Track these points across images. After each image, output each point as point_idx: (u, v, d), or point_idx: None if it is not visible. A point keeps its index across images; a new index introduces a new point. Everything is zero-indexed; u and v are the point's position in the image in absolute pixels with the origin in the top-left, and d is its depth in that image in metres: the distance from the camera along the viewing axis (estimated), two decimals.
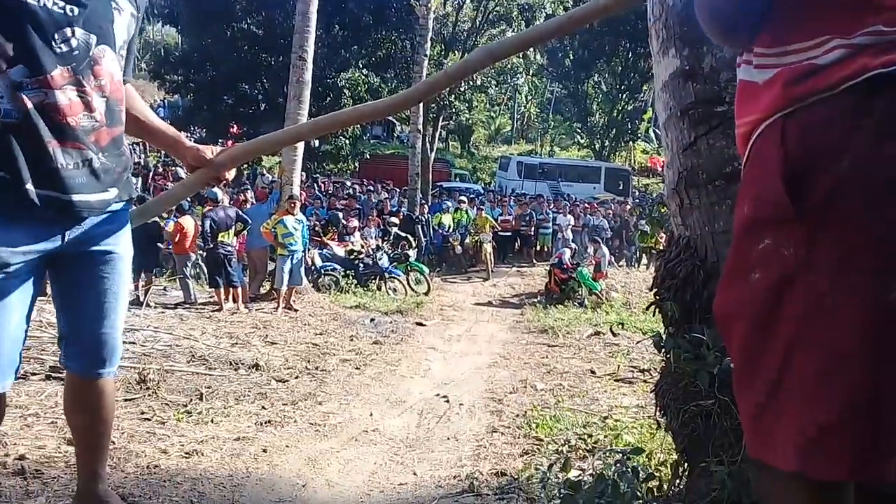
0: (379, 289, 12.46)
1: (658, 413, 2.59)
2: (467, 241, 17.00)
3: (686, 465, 2.44)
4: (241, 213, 10.09)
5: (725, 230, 2.49)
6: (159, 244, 9.78)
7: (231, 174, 2.56)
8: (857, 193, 0.96)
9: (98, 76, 1.99)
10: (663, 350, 2.63)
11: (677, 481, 2.50)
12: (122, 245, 2.21)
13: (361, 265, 12.88)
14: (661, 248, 3.06)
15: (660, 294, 2.76)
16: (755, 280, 1.04)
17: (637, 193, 31.42)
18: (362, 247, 13.37)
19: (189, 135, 27.07)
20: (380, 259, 12.92)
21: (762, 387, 1.04)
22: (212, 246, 9.32)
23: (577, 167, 32.99)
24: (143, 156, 22.22)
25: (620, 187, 30.25)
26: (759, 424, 1.05)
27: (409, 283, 12.92)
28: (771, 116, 1.05)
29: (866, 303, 0.95)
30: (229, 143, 24.01)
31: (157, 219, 9.08)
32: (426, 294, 12.67)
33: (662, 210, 3.58)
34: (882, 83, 0.97)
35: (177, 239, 9.69)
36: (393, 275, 12.89)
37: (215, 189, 10.49)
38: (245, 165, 24.43)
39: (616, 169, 33.05)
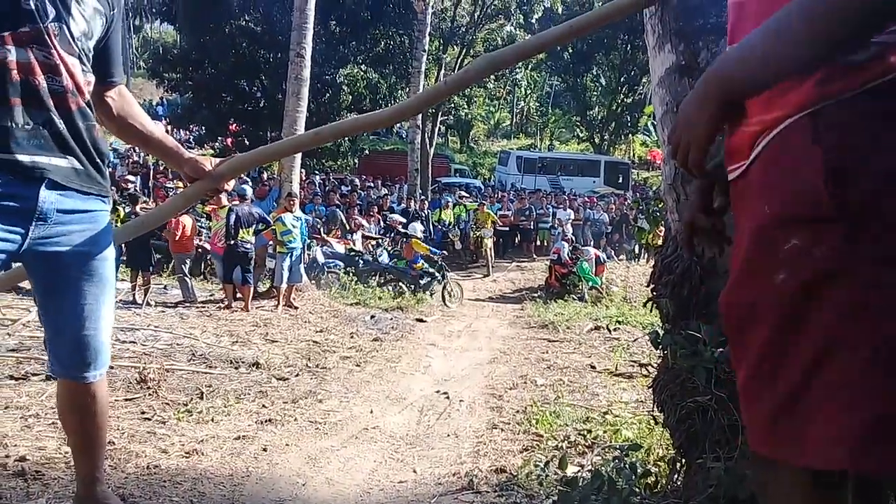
0: (380, 286, 12.44)
1: (655, 409, 2.60)
2: (469, 235, 16.99)
3: (683, 460, 2.45)
4: (263, 214, 10.08)
5: None
6: (153, 241, 9.73)
7: (230, 185, 2.55)
8: None
9: (57, 50, 1.95)
10: (660, 346, 2.63)
11: (675, 477, 2.51)
12: (100, 247, 2.15)
13: (361, 262, 12.88)
14: (660, 243, 3.06)
15: (657, 290, 2.76)
16: (780, 281, 1.02)
17: (637, 187, 31.39)
18: (364, 245, 13.38)
19: (188, 133, 27.07)
20: (380, 256, 12.92)
21: (787, 387, 1.02)
22: (232, 242, 9.29)
23: (576, 161, 32.92)
24: (141, 154, 22.16)
25: (620, 181, 30.18)
26: (781, 424, 1.04)
27: None
28: (796, 114, 1.02)
29: None
30: (228, 140, 23.99)
31: None
32: None
33: (660, 206, 3.58)
34: None
35: (177, 237, 9.70)
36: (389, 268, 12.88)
37: (245, 185, 10.57)
38: None
39: (616, 162, 32.97)
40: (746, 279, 1.09)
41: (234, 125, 24.63)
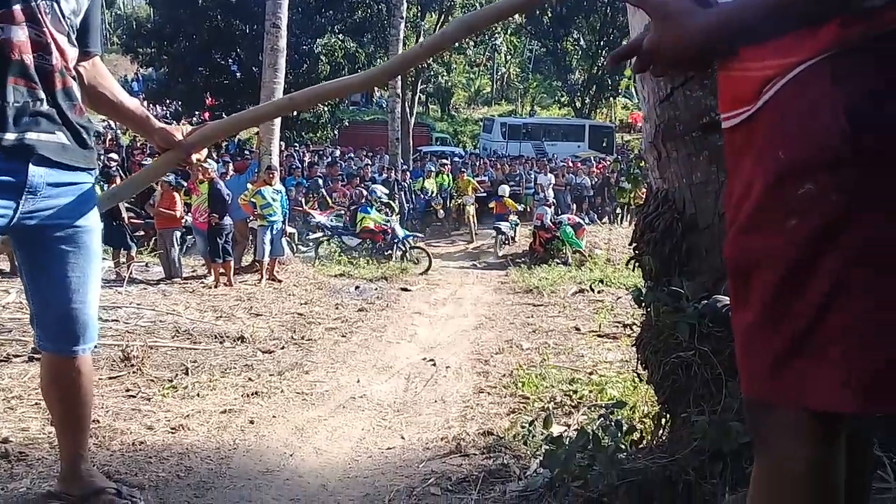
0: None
1: (639, 366, 2.60)
2: (450, 204, 16.98)
3: (668, 416, 2.46)
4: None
5: (703, 181, 2.48)
6: (119, 222, 9.57)
7: (202, 155, 2.50)
8: None
9: (48, 27, 1.97)
10: (643, 304, 2.64)
11: (660, 432, 2.52)
12: (86, 218, 2.17)
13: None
14: (641, 202, 3.05)
15: (639, 248, 2.76)
16: (792, 227, 1.01)
17: (620, 150, 31.37)
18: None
19: (164, 108, 26.68)
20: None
21: (795, 333, 1.02)
22: (219, 218, 9.19)
23: (560, 126, 32.83)
24: (116, 132, 21.84)
25: (604, 144, 30.17)
26: (787, 370, 1.04)
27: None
28: (815, 57, 1.00)
29: None
30: (205, 114, 23.66)
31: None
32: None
33: (641, 165, 3.57)
34: None
35: (177, 214, 9.57)
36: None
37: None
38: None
39: (600, 126, 32.92)
40: (756, 227, 1.07)
41: (211, 99, 24.30)
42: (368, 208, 12.88)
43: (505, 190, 16.23)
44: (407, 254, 12.18)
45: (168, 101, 26.21)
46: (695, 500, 2.03)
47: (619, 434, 2.48)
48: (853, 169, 0.97)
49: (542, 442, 2.57)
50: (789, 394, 1.05)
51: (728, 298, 2.22)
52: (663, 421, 2.49)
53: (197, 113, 24.87)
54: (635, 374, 2.82)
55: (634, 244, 2.79)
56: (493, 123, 32.16)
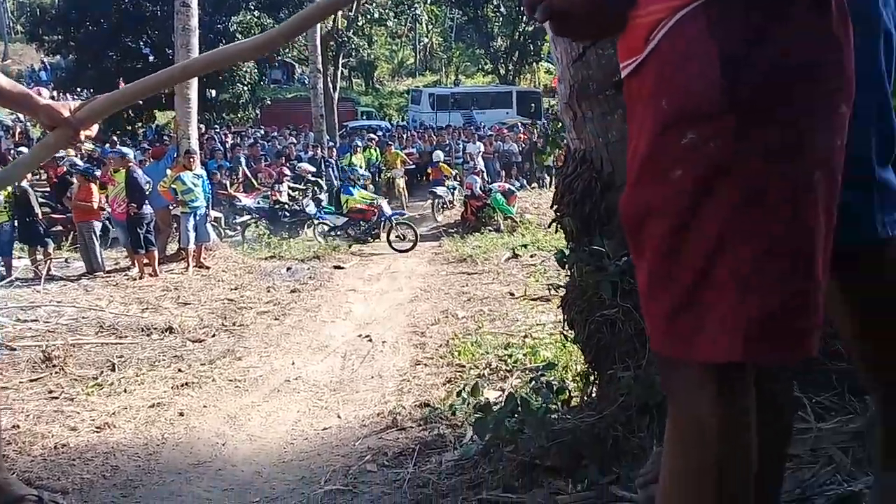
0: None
1: (566, 327, 2.61)
2: (379, 178, 16.84)
3: (595, 374, 2.48)
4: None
5: (619, 139, 2.49)
6: (32, 217, 9.14)
7: (93, 131, 2.33)
8: (785, 84, 0.95)
9: None
10: (566, 265, 2.64)
11: (589, 390, 2.54)
12: None
13: (287, 214, 12.54)
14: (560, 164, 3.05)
15: (560, 210, 2.76)
16: (677, 177, 1.00)
17: (548, 115, 31.57)
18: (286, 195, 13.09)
19: (76, 97, 25.53)
20: (306, 206, 12.57)
21: (684, 284, 1.01)
22: (137, 208, 8.86)
23: (488, 94, 32.82)
24: (26, 125, 20.83)
25: (532, 110, 30.31)
26: (679, 322, 1.03)
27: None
28: (693, 3, 0.98)
29: (797, 189, 0.96)
30: None
31: (28, 189, 8.75)
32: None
33: (559, 127, 3.56)
34: None
35: (97, 206, 9.17)
36: (324, 219, 12.55)
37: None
38: (140, 123, 23.30)
39: (527, 92, 33.01)
40: (645, 179, 1.05)
41: (124, 84, 23.37)
42: (351, 188, 12.68)
43: (439, 155, 16.46)
44: (394, 230, 11.93)
45: (79, 90, 25.08)
46: (623, 455, 2.05)
47: (551, 395, 2.49)
48: (731, 118, 0.96)
49: (474, 410, 2.57)
50: (681, 347, 1.04)
51: None
52: (591, 379, 2.51)
53: None
54: (563, 336, 2.83)
55: (555, 206, 2.79)
56: (421, 95, 31.95)
